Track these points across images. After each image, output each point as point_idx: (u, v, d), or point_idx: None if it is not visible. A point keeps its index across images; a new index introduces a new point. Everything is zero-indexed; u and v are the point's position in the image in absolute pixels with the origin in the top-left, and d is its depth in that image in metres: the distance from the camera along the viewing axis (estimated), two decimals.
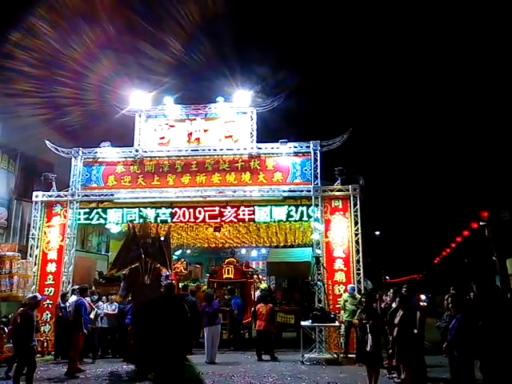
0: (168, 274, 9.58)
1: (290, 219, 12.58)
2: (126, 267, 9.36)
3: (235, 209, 12.64)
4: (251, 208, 12.53)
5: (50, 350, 11.67)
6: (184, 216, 12.80)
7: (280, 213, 12.43)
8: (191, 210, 12.78)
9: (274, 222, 13.07)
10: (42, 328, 11.33)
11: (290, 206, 12.43)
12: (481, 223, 18.61)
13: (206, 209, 12.78)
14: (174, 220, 12.93)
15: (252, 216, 12.60)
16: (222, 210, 12.70)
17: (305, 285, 14.08)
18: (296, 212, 12.34)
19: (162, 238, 10.19)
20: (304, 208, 12.31)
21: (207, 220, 12.96)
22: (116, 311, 11.49)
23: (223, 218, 12.80)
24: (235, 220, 12.89)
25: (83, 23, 19.57)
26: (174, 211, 12.79)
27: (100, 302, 11.52)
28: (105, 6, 19.67)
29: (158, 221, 12.84)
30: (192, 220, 12.97)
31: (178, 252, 19.71)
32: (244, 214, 12.64)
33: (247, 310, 13.65)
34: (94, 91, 19.82)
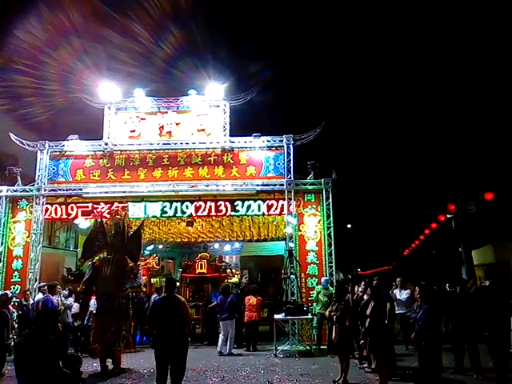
0: (132, 265, 9.19)
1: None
2: (92, 257, 9.09)
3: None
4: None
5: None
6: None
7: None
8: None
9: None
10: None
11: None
12: (448, 216, 19.09)
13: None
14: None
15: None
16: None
17: (278, 278, 14.15)
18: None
19: (132, 231, 9.80)
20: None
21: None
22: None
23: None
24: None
25: (50, 12, 18.91)
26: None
27: (70, 299, 11.19)
28: None
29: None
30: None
31: (150, 247, 19.38)
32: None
33: None
34: (62, 83, 19.24)
